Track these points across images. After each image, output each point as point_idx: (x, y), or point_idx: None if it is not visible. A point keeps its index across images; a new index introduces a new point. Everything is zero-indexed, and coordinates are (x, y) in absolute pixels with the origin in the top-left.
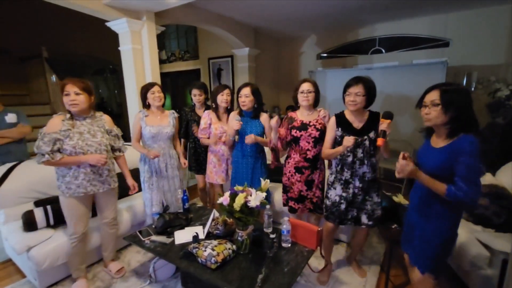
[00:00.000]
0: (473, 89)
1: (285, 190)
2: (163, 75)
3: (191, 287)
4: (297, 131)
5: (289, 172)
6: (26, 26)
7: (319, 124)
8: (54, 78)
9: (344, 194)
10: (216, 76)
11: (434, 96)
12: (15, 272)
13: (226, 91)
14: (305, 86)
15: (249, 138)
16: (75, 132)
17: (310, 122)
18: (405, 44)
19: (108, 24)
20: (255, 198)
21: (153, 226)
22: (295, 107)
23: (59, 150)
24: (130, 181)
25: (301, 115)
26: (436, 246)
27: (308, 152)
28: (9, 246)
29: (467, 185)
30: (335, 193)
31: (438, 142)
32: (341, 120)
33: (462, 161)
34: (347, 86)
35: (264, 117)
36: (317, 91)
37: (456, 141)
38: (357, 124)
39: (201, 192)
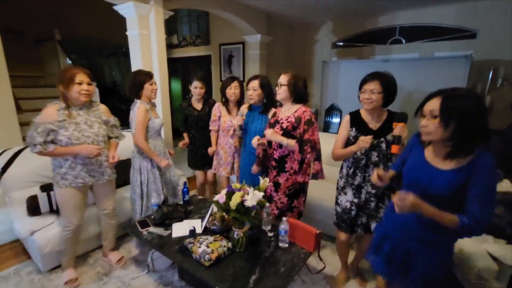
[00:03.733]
0: (498, 85)
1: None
2: (173, 60)
3: (188, 279)
4: (268, 127)
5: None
6: (39, 8)
7: (287, 122)
8: (68, 60)
9: (355, 200)
10: (227, 63)
11: (434, 105)
12: (22, 253)
13: (234, 83)
14: (280, 79)
15: (253, 140)
16: (71, 122)
17: (281, 119)
18: (427, 34)
19: (115, 7)
20: (252, 198)
21: (152, 217)
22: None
23: (52, 141)
24: (114, 153)
25: (281, 111)
26: (441, 279)
27: (274, 152)
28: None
29: (480, 209)
30: (345, 199)
31: (441, 161)
32: (356, 119)
33: (480, 179)
34: (363, 83)
35: (273, 112)
36: (293, 85)
37: (475, 161)
38: (374, 124)
39: (200, 188)
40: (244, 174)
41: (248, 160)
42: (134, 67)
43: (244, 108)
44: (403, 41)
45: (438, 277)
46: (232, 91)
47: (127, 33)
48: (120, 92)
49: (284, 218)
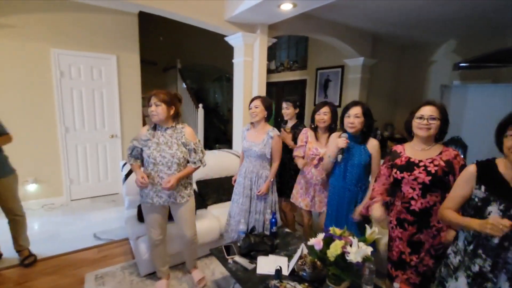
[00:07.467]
0: None
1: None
2: (269, 85)
3: None
4: (398, 172)
5: (391, 222)
6: (169, 41)
7: (435, 166)
8: (184, 85)
9: None
10: (323, 87)
11: None
12: (129, 252)
13: (324, 109)
14: (427, 111)
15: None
16: (154, 142)
17: (421, 161)
18: None
19: (226, 38)
20: (357, 252)
21: (238, 245)
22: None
23: (135, 156)
24: (173, 177)
25: (411, 150)
26: None
27: (412, 202)
28: (126, 229)
29: None
30: (455, 286)
31: None
32: (487, 173)
33: None
34: (511, 120)
35: (372, 143)
36: (444, 121)
37: None
38: None
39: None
40: (334, 213)
41: (343, 198)
42: (236, 90)
43: (337, 135)
44: None
45: None
46: (321, 116)
47: (233, 60)
48: (220, 112)
49: (396, 285)
